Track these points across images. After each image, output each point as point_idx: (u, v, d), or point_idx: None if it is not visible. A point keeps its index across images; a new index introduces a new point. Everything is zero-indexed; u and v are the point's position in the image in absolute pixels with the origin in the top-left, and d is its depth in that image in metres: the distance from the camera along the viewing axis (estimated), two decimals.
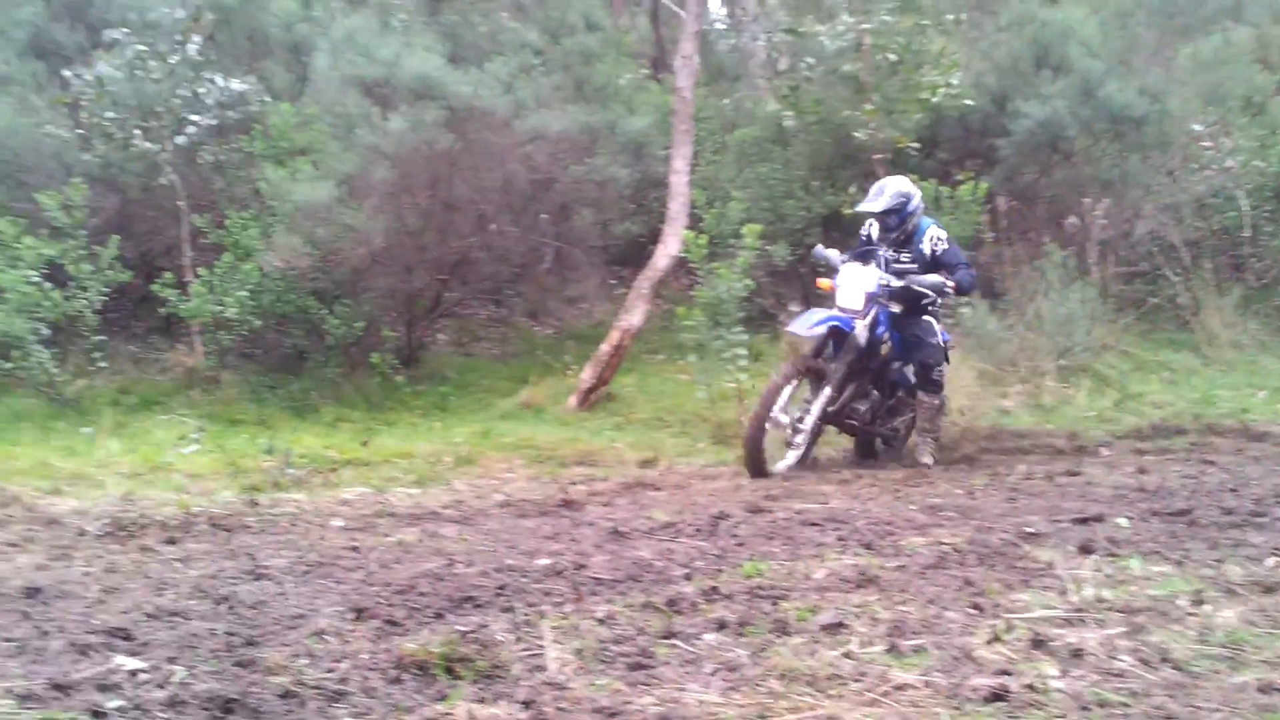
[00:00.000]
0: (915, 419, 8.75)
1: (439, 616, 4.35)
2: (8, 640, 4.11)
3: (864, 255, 8.50)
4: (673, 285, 12.53)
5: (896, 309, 8.34)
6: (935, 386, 8.57)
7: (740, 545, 5.61)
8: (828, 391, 8.18)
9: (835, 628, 3.81)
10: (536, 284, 13.68)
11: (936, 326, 8.56)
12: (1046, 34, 12.76)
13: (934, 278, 8.18)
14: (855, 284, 8.18)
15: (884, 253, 8.47)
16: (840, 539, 5.63)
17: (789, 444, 8.17)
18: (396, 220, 11.02)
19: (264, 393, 10.99)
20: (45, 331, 10.21)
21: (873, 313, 8.23)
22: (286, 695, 3.37)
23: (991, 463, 8.27)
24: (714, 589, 4.43)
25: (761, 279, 11.17)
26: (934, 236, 8.45)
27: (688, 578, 4.85)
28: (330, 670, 3.49)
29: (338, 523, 6.75)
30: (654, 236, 11.91)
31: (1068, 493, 6.80)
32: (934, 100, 11.74)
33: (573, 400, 10.82)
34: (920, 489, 7.29)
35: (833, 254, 8.58)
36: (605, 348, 10.98)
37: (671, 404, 10.75)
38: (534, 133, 11.41)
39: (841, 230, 12.90)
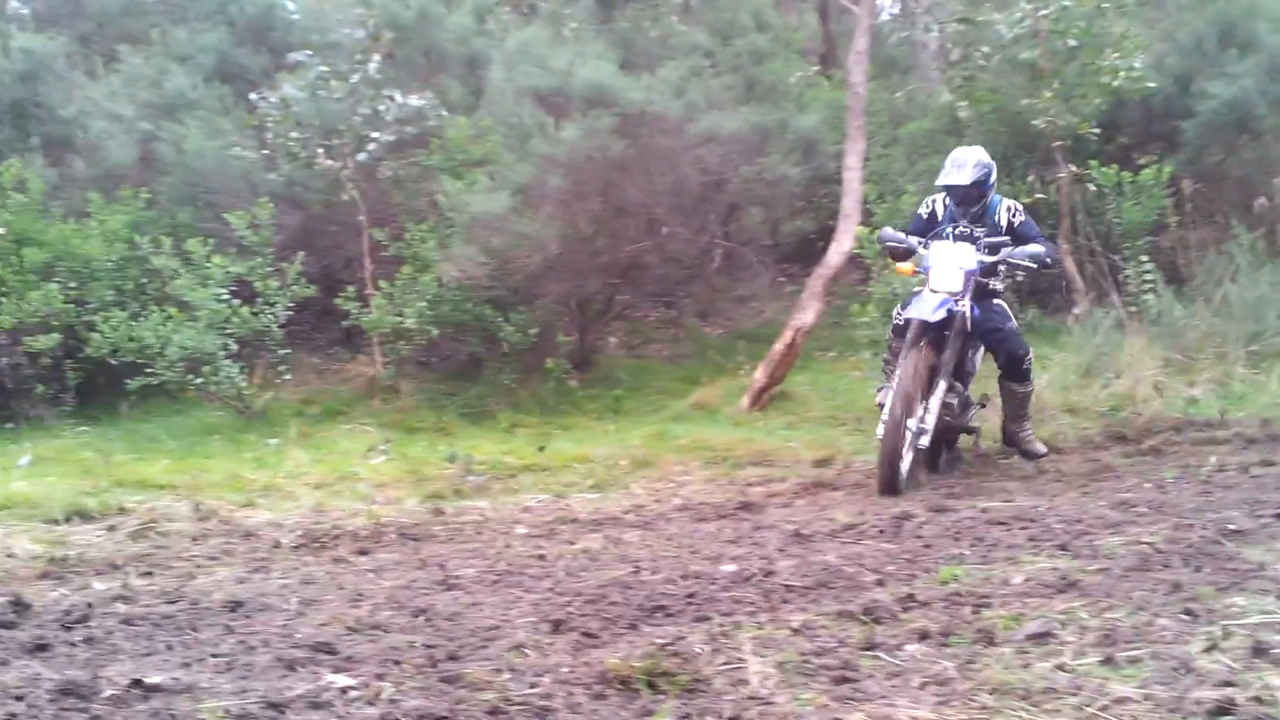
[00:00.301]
0: (1005, 411, 8.05)
1: (633, 627, 4.34)
2: (215, 656, 4.22)
3: (936, 234, 7.95)
4: (844, 282, 12.36)
5: (999, 285, 7.87)
6: (1026, 376, 7.92)
7: (927, 547, 5.51)
8: (944, 384, 7.50)
9: (1043, 637, 3.66)
10: (706, 285, 13.65)
11: (1008, 309, 8.00)
12: (1231, 11, 12.29)
13: (1032, 248, 7.56)
14: (952, 263, 7.52)
15: (954, 229, 7.89)
16: (1032, 540, 5.49)
17: (912, 447, 7.37)
18: (569, 227, 11.10)
19: (441, 400, 11.18)
20: (233, 346, 10.52)
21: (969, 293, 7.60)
22: (494, 712, 3.38)
23: (1180, 454, 7.79)
24: (910, 596, 4.32)
25: None
26: (1010, 207, 7.94)
27: (880, 584, 4.77)
28: (534, 686, 3.49)
29: (521, 530, 6.82)
30: (824, 234, 11.79)
31: (1265, 485, 6.47)
32: (1115, 84, 11.37)
33: (745, 400, 10.75)
34: (1107, 484, 7.06)
35: (900, 235, 7.98)
36: (778, 346, 10.89)
37: (845, 401, 10.56)
38: (706, 135, 11.39)
39: None
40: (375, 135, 11.44)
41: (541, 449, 9.25)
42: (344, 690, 3.48)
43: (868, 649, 3.72)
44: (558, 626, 4.25)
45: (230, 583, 5.62)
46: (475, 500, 7.77)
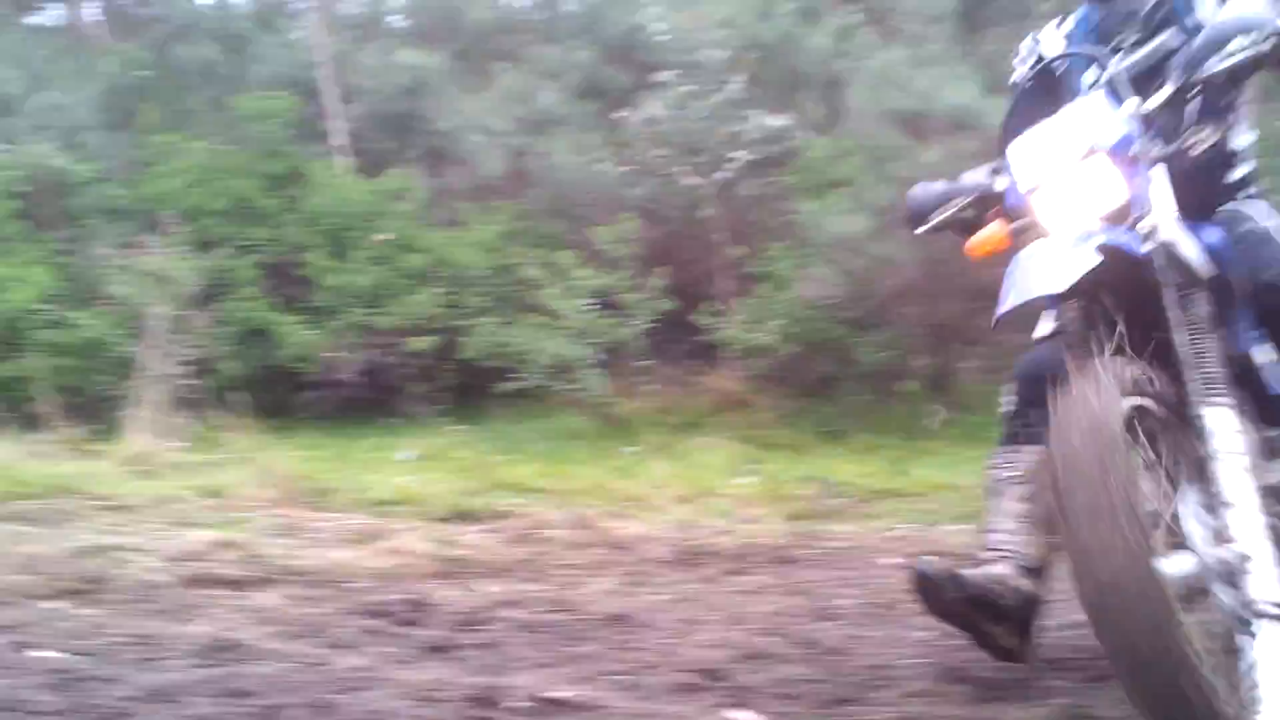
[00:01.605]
0: None
1: (1021, 683, 4.19)
2: (611, 673, 4.25)
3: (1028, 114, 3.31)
4: None
5: (1241, 145, 3.43)
6: None
7: None
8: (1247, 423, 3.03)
9: None
10: None
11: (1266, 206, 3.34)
12: None
13: (1237, 11, 2.97)
14: (1065, 153, 2.95)
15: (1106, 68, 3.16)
16: None
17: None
18: (926, 249, 10.93)
19: (795, 417, 11.16)
20: (598, 355, 10.79)
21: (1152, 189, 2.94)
22: None
23: None
24: None
25: None
26: None
27: None
28: None
29: (890, 560, 6.70)
30: None
31: None
32: None
33: None
34: None
35: (942, 185, 3.77)
36: None
37: None
38: None
39: None
40: (735, 155, 11.53)
41: (905, 474, 9.11)
42: None
43: None
44: (955, 674, 4.14)
45: (610, 595, 5.70)
46: (837, 524, 7.68)
